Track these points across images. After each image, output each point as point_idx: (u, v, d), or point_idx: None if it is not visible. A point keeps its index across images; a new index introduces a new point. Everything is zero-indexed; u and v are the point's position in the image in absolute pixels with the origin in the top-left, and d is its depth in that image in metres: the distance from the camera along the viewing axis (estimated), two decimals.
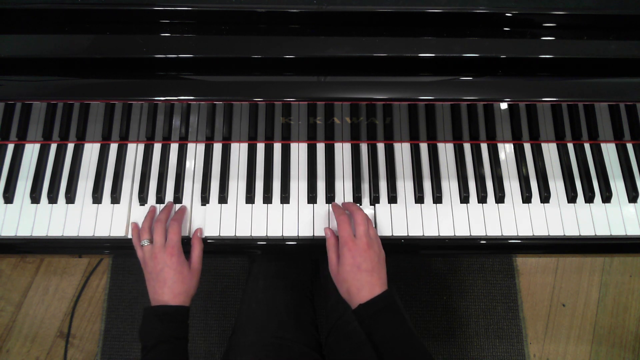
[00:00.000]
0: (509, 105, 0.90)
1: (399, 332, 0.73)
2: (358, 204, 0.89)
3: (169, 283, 0.78)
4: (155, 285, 0.79)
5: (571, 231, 0.88)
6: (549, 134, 0.94)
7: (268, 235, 0.87)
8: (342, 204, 0.87)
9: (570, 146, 0.94)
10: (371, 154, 0.92)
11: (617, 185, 0.92)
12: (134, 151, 0.93)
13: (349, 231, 0.78)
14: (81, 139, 0.93)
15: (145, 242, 0.82)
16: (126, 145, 0.93)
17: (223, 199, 0.89)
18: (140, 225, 0.86)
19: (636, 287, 1.67)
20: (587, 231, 0.88)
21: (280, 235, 0.87)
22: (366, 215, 0.82)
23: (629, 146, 0.95)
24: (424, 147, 0.94)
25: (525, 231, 0.88)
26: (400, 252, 0.90)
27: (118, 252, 0.90)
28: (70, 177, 0.90)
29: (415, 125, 0.92)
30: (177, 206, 0.89)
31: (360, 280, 0.74)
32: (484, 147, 0.94)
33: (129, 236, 0.87)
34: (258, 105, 0.88)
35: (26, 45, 0.71)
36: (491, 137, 0.94)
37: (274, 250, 0.89)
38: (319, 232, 0.87)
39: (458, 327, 1.58)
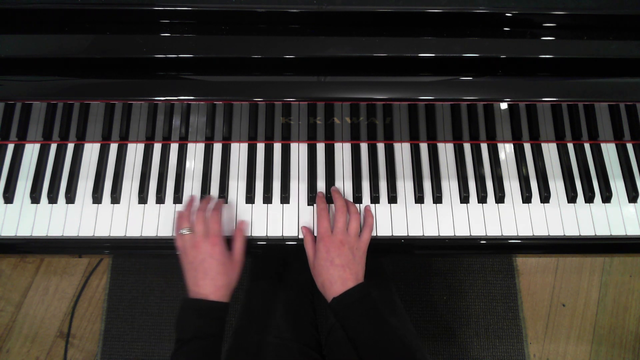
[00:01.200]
0: (509, 105, 0.90)
1: (371, 323, 0.73)
2: (356, 203, 0.89)
3: (211, 274, 0.76)
4: (197, 276, 0.76)
5: (571, 231, 0.88)
6: (549, 134, 0.94)
7: (268, 235, 0.87)
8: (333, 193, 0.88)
9: (570, 146, 0.94)
10: (371, 154, 0.92)
11: (617, 185, 0.92)
12: (134, 151, 0.93)
13: (327, 226, 0.81)
14: (81, 139, 0.93)
15: (185, 231, 0.79)
16: (126, 145, 0.93)
17: (223, 199, 0.89)
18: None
19: (636, 287, 1.67)
20: (587, 231, 0.88)
21: (281, 235, 0.87)
22: (353, 212, 0.84)
23: (629, 146, 0.95)
24: (424, 147, 0.94)
25: (525, 231, 0.88)
26: (400, 252, 0.90)
27: (118, 252, 0.90)
28: (70, 177, 0.90)
29: (415, 125, 0.92)
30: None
31: (333, 274, 0.76)
32: (484, 147, 0.94)
33: (129, 236, 0.87)
34: (258, 105, 0.88)
35: (26, 45, 0.71)
36: (491, 137, 0.94)
37: (274, 250, 0.89)
38: None
39: (458, 327, 1.58)
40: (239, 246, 0.83)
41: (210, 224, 0.80)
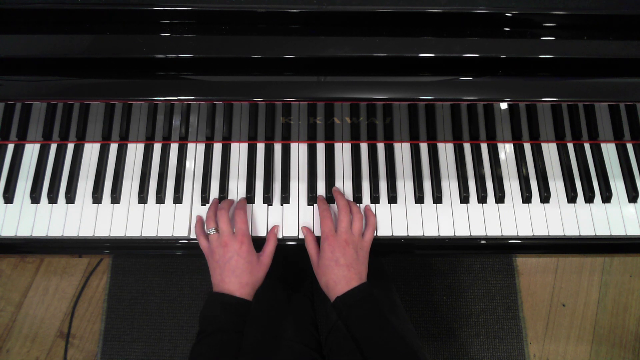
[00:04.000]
0: (509, 105, 0.90)
1: (375, 322, 0.74)
2: (356, 203, 0.89)
3: (238, 272, 0.77)
4: (222, 273, 0.77)
5: (571, 231, 0.88)
6: (549, 134, 0.94)
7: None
8: (336, 194, 0.88)
9: (570, 146, 0.94)
10: (371, 154, 0.92)
11: (617, 185, 0.92)
12: (134, 151, 0.93)
13: (330, 226, 0.81)
14: (81, 139, 0.93)
15: (212, 231, 0.81)
16: (126, 145, 0.93)
17: (223, 199, 0.89)
18: (203, 218, 0.87)
19: (636, 287, 1.67)
20: (587, 231, 0.88)
21: (281, 235, 0.87)
22: (356, 211, 0.84)
23: (629, 146, 0.95)
24: (424, 147, 0.94)
25: (525, 231, 0.88)
26: (400, 252, 0.90)
27: (118, 252, 0.90)
28: (70, 177, 0.90)
29: (415, 125, 0.92)
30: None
31: (338, 274, 0.76)
32: (484, 147, 0.94)
33: (129, 236, 0.87)
34: (258, 105, 0.88)
35: (26, 45, 0.71)
36: (491, 137, 0.94)
37: (274, 250, 0.88)
38: (319, 233, 0.87)
39: (458, 327, 1.58)
40: (270, 249, 0.83)
41: (236, 223, 0.81)
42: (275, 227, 0.87)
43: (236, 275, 0.77)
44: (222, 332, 0.74)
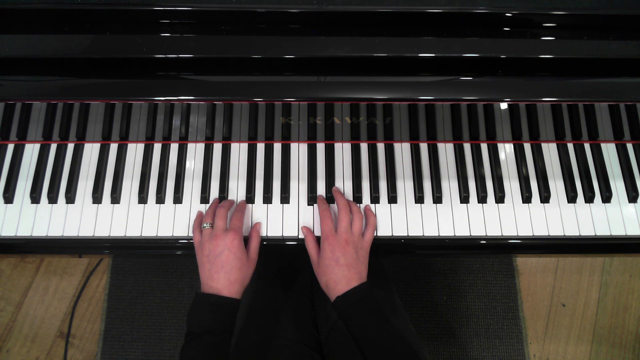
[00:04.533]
0: (509, 105, 0.90)
1: (375, 322, 0.74)
2: (356, 203, 0.89)
3: (227, 268, 0.76)
4: (211, 269, 0.77)
5: (571, 231, 0.88)
6: (549, 134, 0.94)
7: (268, 235, 0.87)
8: (335, 194, 0.88)
9: (570, 146, 0.94)
10: (371, 154, 0.92)
11: (617, 185, 0.92)
12: (134, 151, 0.93)
13: (330, 226, 0.81)
14: (81, 139, 0.93)
15: (207, 225, 0.81)
16: (126, 145, 0.93)
17: (223, 199, 0.89)
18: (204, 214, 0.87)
19: (636, 287, 1.67)
20: (587, 231, 0.88)
21: (281, 235, 0.88)
22: (356, 211, 0.84)
23: (629, 146, 0.95)
24: (424, 147, 0.94)
25: (525, 231, 0.88)
26: (400, 252, 0.90)
27: (118, 252, 0.90)
28: (70, 177, 0.90)
29: (415, 125, 0.92)
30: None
31: (338, 274, 0.76)
32: (484, 147, 0.94)
33: (129, 236, 0.87)
34: (258, 105, 0.88)
35: (26, 45, 0.71)
36: (491, 137, 0.94)
37: (274, 250, 0.89)
38: (319, 233, 0.87)
39: (458, 327, 1.58)
40: (254, 245, 0.83)
41: (231, 221, 0.82)
42: (258, 224, 0.87)
43: (225, 271, 0.76)
44: (211, 333, 0.73)
